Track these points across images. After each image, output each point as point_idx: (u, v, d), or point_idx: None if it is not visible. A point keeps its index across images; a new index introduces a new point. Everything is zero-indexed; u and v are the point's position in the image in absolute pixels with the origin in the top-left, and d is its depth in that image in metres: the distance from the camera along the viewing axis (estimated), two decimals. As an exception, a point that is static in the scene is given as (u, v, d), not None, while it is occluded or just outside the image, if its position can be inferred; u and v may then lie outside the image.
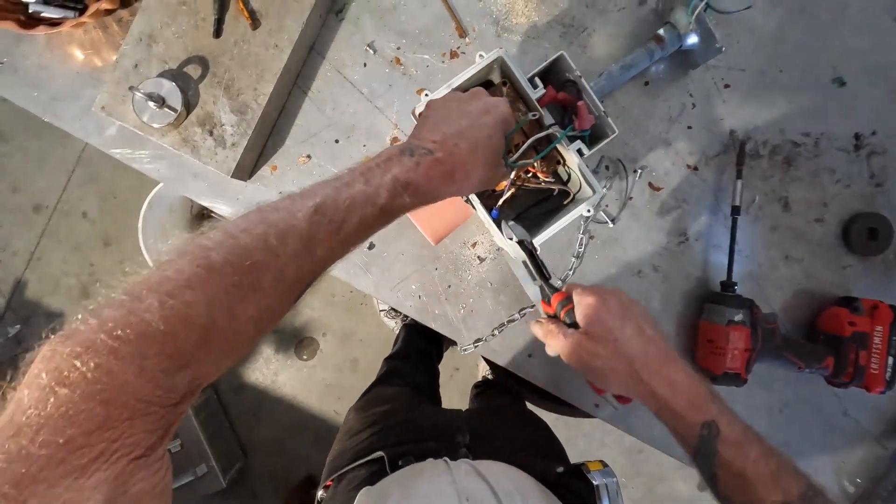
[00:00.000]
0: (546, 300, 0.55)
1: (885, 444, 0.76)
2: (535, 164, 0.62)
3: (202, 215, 1.61)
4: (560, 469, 0.67)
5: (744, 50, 0.74)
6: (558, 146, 0.62)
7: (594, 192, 0.61)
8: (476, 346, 0.76)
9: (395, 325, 1.63)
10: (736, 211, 0.72)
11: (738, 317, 0.69)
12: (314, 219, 0.37)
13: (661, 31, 0.68)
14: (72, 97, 0.73)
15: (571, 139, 0.62)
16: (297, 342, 1.74)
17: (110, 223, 1.72)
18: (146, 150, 0.73)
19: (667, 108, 0.74)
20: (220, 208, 0.75)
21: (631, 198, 0.75)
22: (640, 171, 0.75)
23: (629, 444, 1.78)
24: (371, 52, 0.73)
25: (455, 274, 0.75)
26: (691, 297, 0.76)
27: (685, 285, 0.76)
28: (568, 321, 0.52)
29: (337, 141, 0.74)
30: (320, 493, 0.70)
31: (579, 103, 0.61)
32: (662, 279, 0.76)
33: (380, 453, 0.66)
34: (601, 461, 0.65)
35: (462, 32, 0.73)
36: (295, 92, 0.73)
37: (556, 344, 0.51)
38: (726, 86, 0.74)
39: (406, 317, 1.61)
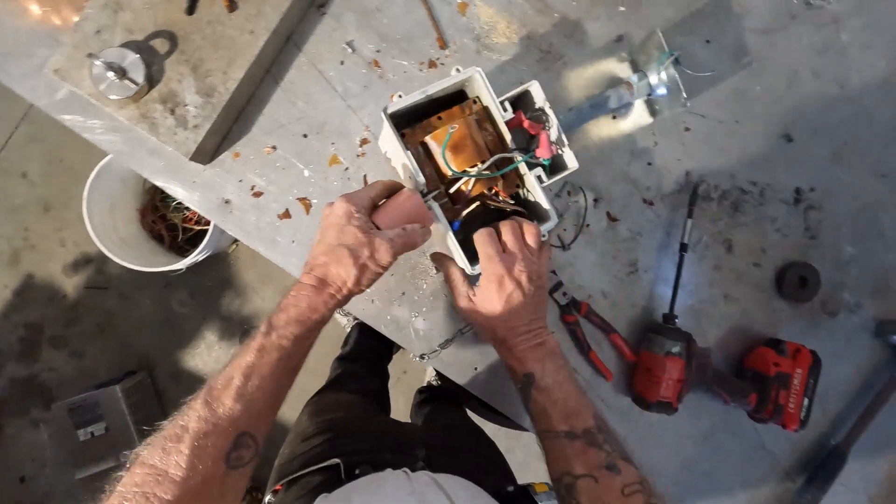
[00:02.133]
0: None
1: (795, 478, 0.82)
2: (499, 184, 0.63)
3: (156, 191, 1.54)
4: (511, 488, 0.69)
5: (705, 99, 0.78)
6: (519, 169, 0.63)
7: (550, 218, 0.63)
8: (424, 359, 0.76)
9: (346, 323, 1.62)
10: (684, 248, 0.76)
11: (676, 349, 0.73)
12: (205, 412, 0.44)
13: (633, 79, 0.71)
14: (24, 55, 0.69)
15: (532, 166, 0.63)
16: (244, 331, 1.69)
17: (53, 188, 1.62)
18: (100, 119, 0.69)
19: (630, 143, 0.78)
20: (175, 190, 0.72)
21: (588, 225, 0.78)
22: (598, 200, 0.77)
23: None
24: (350, 50, 0.72)
25: (411, 281, 0.75)
26: (636, 325, 0.79)
27: (631, 313, 0.79)
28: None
29: (305, 136, 0.73)
30: (268, 498, 0.68)
31: (542, 134, 0.62)
32: (611, 306, 0.79)
33: (336, 460, 0.65)
34: (547, 483, 0.67)
35: (443, 44, 0.74)
36: (267, 80, 0.71)
37: (455, 297, 0.61)
38: (686, 129, 0.78)
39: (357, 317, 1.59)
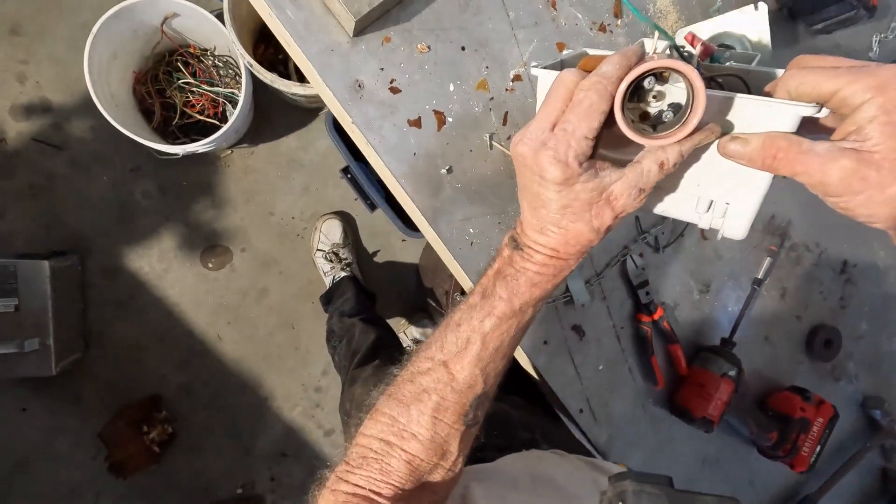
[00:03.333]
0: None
1: (772, 516, 0.89)
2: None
3: (163, 59, 1.33)
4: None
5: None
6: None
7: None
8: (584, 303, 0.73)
9: (328, 271, 1.50)
10: (757, 283, 0.81)
11: (732, 372, 0.76)
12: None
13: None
14: None
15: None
16: (208, 246, 1.51)
17: (29, 11, 1.33)
18: (253, -62, 0.58)
19: (738, 173, 0.81)
20: (307, 50, 0.62)
21: (682, 235, 0.79)
22: (700, 215, 0.79)
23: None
24: (534, -20, 0.68)
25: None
26: (685, 341, 0.82)
27: (687, 329, 0.82)
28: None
29: (463, 48, 0.67)
30: None
31: (686, 35, 0.52)
32: (674, 318, 0.81)
33: None
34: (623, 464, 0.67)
35: (618, 12, 0.72)
36: (444, -26, 0.65)
37: (815, 166, 0.36)
38: (783, 177, 0.83)
39: (346, 266, 1.49)
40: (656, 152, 0.40)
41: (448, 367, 0.43)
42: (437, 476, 0.43)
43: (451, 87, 0.67)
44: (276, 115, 1.49)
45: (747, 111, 0.40)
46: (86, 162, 1.40)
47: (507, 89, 0.69)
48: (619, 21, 0.72)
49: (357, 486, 0.40)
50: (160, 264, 1.48)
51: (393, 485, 0.41)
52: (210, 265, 1.51)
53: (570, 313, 0.75)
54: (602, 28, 0.72)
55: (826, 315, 0.89)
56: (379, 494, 0.40)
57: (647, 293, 0.77)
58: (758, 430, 0.80)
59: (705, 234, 0.80)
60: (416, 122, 0.66)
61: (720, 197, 0.44)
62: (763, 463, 0.87)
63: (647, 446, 0.82)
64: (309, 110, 1.51)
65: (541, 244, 0.42)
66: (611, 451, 0.79)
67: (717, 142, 0.41)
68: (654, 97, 0.41)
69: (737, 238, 0.45)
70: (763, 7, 0.63)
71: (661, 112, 0.41)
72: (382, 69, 0.64)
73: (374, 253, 1.63)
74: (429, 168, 0.67)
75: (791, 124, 0.39)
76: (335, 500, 0.41)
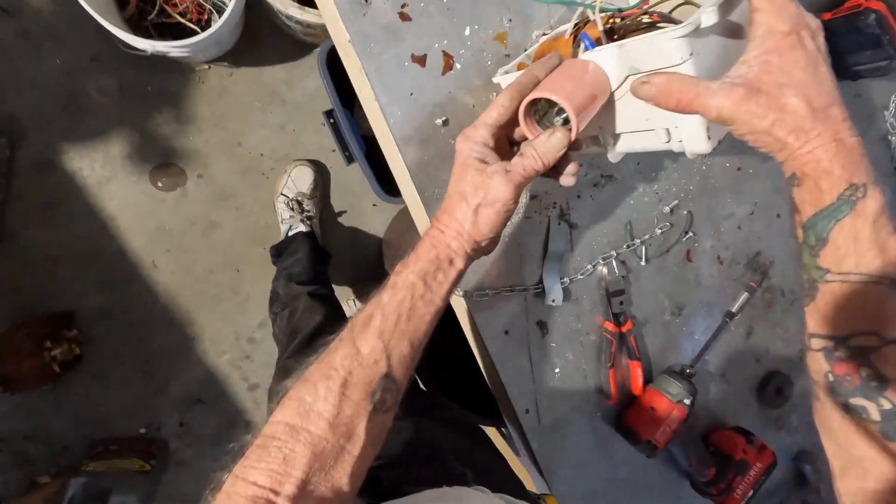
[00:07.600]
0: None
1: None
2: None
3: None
4: None
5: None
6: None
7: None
8: (466, 295, 0.66)
9: (287, 219, 1.40)
10: (730, 316, 0.78)
11: (687, 400, 0.73)
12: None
13: None
14: None
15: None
16: (162, 163, 1.37)
17: None
18: None
19: (733, 207, 0.78)
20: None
21: (668, 251, 0.75)
22: (691, 234, 0.76)
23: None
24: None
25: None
26: (646, 361, 0.79)
27: (650, 349, 0.79)
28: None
29: None
30: None
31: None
32: (641, 335, 0.77)
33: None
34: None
35: None
36: None
37: (707, 103, 0.38)
38: (777, 216, 0.81)
39: (307, 219, 1.39)
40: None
41: (354, 342, 0.44)
42: (342, 467, 0.41)
43: (468, 31, 0.59)
44: (266, 40, 1.37)
45: (641, 52, 0.44)
46: (39, 37, 1.23)
47: (524, 49, 0.62)
48: None
49: (256, 484, 0.38)
50: (103, 170, 1.34)
51: (296, 478, 0.38)
52: (160, 184, 1.37)
53: (537, 307, 0.70)
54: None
55: (784, 363, 0.88)
56: (278, 494, 0.38)
57: (621, 303, 0.72)
58: (696, 464, 0.78)
59: (690, 256, 0.77)
60: (421, 60, 0.58)
61: (671, 123, 0.46)
62: (693, 498, 0.85)
63: (582, 459, 0.78)
64: (304, 44, 1.39)
65: (435, 220, 0.49)
66: (544, 458, 0.75)
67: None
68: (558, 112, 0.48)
69: (703, 151, 0.46)
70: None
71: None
72: (400, 57, 0.56)
73: (341, 213, 1.54)
74: (423, 114, 0.60)
75: (679, 55, 0.41)
76: None
